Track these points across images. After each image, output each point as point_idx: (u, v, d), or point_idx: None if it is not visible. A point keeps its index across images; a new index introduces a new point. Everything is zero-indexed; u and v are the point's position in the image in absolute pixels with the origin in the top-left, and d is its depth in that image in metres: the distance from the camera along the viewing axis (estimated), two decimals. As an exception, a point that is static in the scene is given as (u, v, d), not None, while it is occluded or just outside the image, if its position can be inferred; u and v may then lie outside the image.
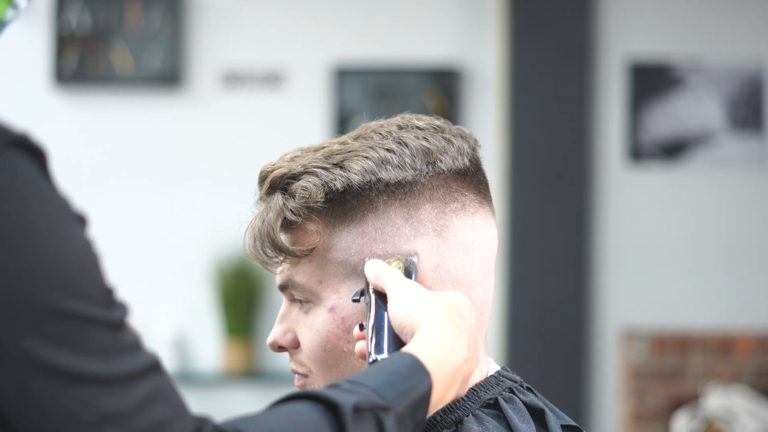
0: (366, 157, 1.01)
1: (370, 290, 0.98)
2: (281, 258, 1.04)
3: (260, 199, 1.05)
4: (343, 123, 4.24)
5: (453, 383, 0.91)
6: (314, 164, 1.02)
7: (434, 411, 0.91)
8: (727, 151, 4.31)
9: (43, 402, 0.70)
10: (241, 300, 4.15)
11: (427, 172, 1.02)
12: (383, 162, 1.01)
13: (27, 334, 0.69)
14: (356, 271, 1.01)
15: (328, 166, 1.02)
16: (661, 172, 4.31)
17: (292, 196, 1.01)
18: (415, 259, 1.01)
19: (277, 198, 1.02)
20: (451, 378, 0.90)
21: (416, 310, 0.93)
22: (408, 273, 0.99)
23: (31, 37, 4.25)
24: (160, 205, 4.27)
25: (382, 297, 0.97)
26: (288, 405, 0.82)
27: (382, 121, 1.07)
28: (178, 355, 4.19)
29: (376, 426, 0.82)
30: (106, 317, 0.73)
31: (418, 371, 0.87)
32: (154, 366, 0.75)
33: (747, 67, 4.32)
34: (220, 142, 4.29)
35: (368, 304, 0.97)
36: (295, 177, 1.02)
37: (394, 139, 1.03)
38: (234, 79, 4.29)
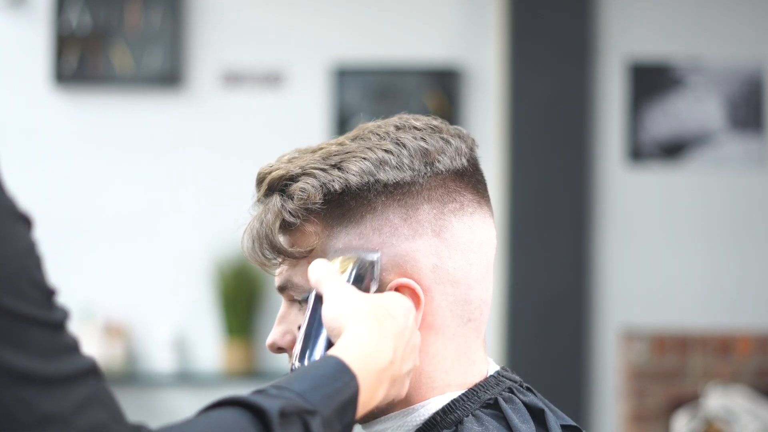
0: (364, 158, 1.01)
1: (313, 292, 0.99)
2: (280, 260, 1.04)
3: (258, 200, 1.05)
4: (343, 123, 4.24)
5: (380, 384, 0.91)
6: (312, 165, 1.02)
7: (363, 412, 0.91)
8: (727, 151, 4.31)
9: None
10: (241, 300, 4.15)
11: (425, 173, 1.02)
12: (381, 163, 1.01)
13: None
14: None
15: (326, 167, 1.01)
16: (661, 172, 4.31)
17: (291, 197, 1.01)
18: (374, 257, 1.00)
19: (275, 200, 1.02)
20: (377, 379, 0.90)
21: (344, 312, 0.94)
22: (359, 274, 0.99)
23: (31, 37, 4.25)
24: (160, 204, 4.27)
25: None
26: (215, 411, 0.82)
27: (379, 122, 1.07)
28: (178, 355, 4.19)
29: (303, 430, 0.82)
30: (45, 317, 0.73)
31: (343, 374, 0.87)
32: (92, 370, 0.75)
33: (747, 67, 4.32)
34: (220, 142, 4.29)
35: (308, 304, 0.98)
36: (293, 178, 1.02)
37: (392, 139, 1.03)
38: (234, 79, 4.29)
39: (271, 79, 4.30)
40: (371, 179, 1.01)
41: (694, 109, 4.31)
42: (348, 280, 0.98)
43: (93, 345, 4.10)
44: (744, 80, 4.31)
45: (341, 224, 1.01)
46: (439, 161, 1.03)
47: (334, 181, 1.00)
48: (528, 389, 1.06)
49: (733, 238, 4.30)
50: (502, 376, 1.05)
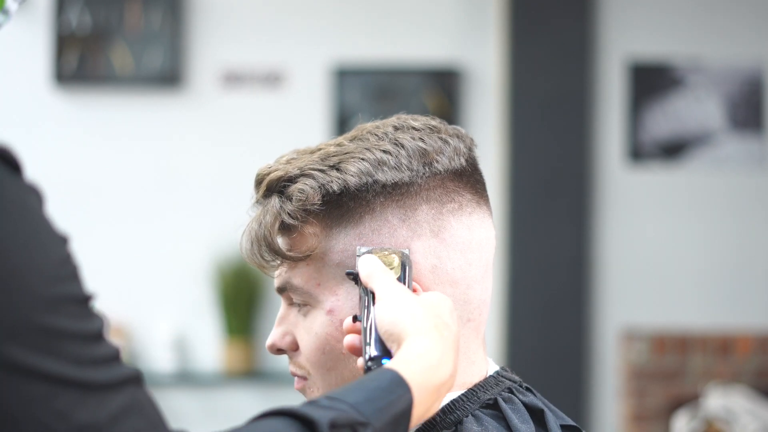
0: (362, 159, 1.01)
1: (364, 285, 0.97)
2: (278, 262, 1.03)
3: (257, 202, 1.05)
4: (343, 123, 4.24)
5: (437, 398, 0.91)
6: (310, 166, 1.02)
7: (416, 426, 0.90)
8: (727, 151, 4.31)
9: (16, 412, 0.70)
10: (241, 300, 4.15)
11: (423, 173, 1.02)
12: (380, 163, 1.01)
13: (3, 341, 0.70)
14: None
15: (324, 168, 1.01)
16: (661, 172, 4.31)
17: (289, 198, 1.01)
18: (407, 252, 1.00)
19: (274, 201, 1.02)
20: (436, 393, 0.90)
21: (402, 318, 0.92)
22: (403, 267, 0.98)
23: (31, 37, 4.25)
24: (160, 205, 4.27)
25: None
26: (265, 421, 0.82)
27: (378, 122, 1.07)
28: (178, 355, 4.19)
29: None
30: (81, 329, 0.73)
31: (398, 386, 0.86)
32: (131, 379, 0.75)
33: (747, 67, 4.32)
34: (220, 142, 4.29)
35: (363, 301, 0.97)
36: (292, 180, 1.02)
37: (390, 140, 1.03)
38: (234, 79, 4.29)
39: (271, 79, 4.30)
40: (369, 180, 1.00)
41: (694, 109, 4.31)
42: (399, 278, 0.97)
43: (93, 345, 4.11)
44: (744, 80, 4.31)
45: (340, 225, 1.01)
46: (437, 161, 1.02)
47: (332, 182, 1.00)
48: (527, 389, 1.06)
49: (733, 238, 4.30)
50: (502, 377, 1.05)
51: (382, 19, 4.33)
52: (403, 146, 1.02)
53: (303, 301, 1.03)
